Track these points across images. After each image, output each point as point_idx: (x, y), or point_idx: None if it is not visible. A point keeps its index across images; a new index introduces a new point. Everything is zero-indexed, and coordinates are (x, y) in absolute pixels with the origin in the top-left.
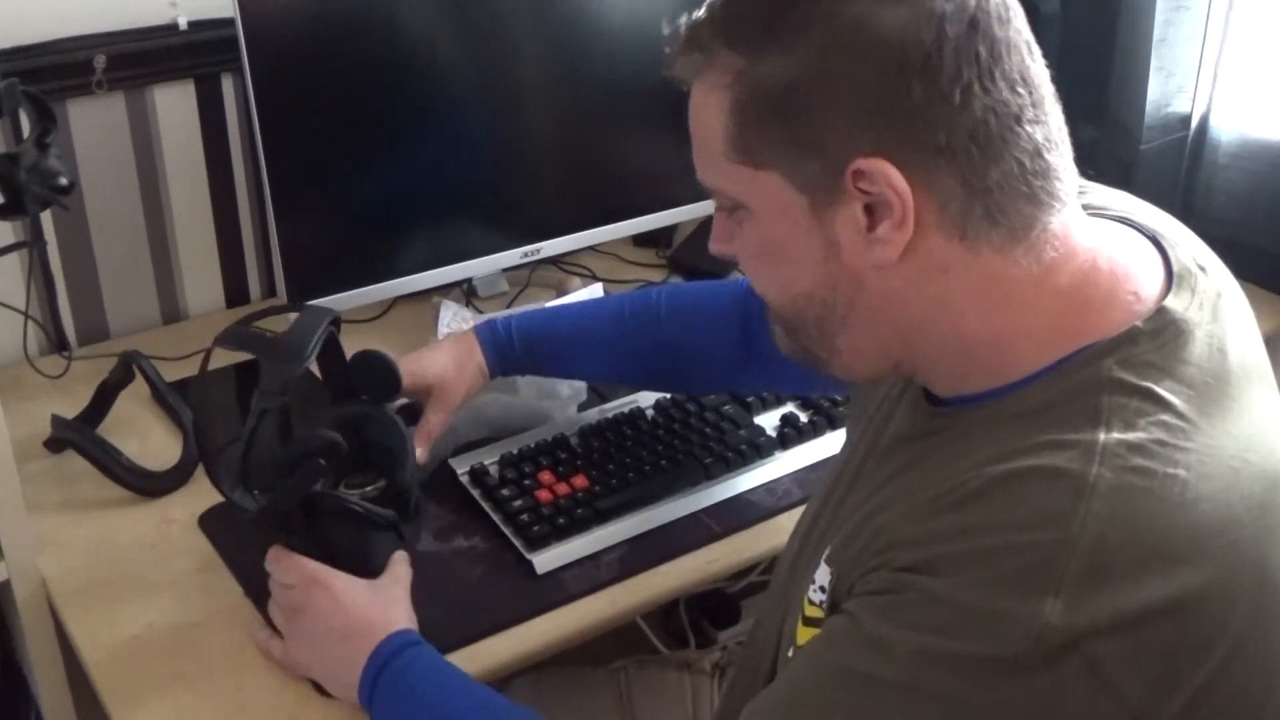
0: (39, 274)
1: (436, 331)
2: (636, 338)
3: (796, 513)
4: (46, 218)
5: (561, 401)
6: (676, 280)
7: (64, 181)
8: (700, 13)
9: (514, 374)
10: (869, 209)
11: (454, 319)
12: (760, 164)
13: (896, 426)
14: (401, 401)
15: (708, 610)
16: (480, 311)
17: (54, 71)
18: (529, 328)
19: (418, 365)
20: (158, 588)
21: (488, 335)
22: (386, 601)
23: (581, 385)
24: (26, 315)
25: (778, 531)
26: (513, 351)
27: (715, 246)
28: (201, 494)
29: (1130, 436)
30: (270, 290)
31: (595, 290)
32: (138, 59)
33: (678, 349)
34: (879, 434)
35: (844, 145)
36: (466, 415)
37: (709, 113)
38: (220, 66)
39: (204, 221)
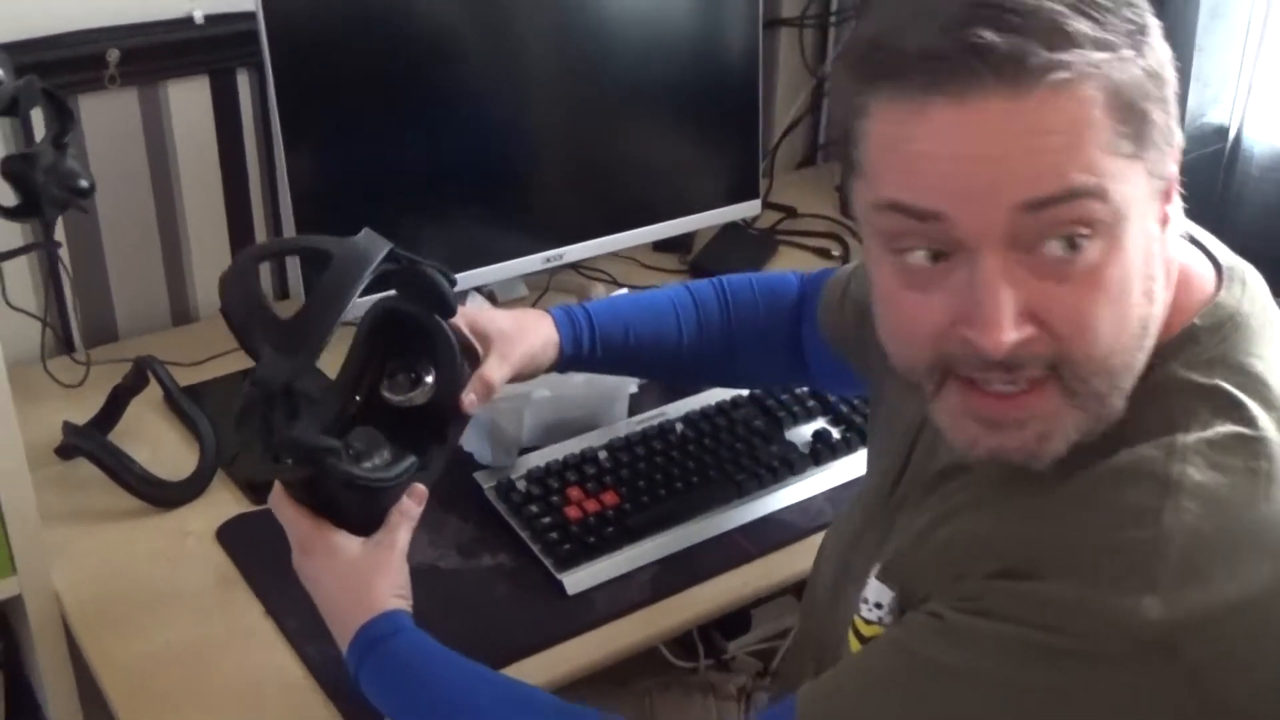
0: (48, 279)
1: None
2: (703, 332)
3: None
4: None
5: (610, 400)
6: None
7: (84, 184)
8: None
9: (578, 369)
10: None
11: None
12: (1137, 152)
13: (944, 461)
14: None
15: (717, 620)
16: None
17: (65, 65)
18: (605, 322)
19: (477, 313)
20: (174, 603)
21: (563, 318)
22: (373, 569)
23: (628, 384)
24: (44, 321)
25: (810, 552)
26: (586, 343)
27: (1011, 332)
28: (219, 505)
29: (1207, 434)
30: (284, 291)
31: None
32: (152, 53)
33: (740, 343)
34: (928, 456)
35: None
36: (525, 416)
37: (1087, 110)
38: (236, 62)
39: (217, 220)
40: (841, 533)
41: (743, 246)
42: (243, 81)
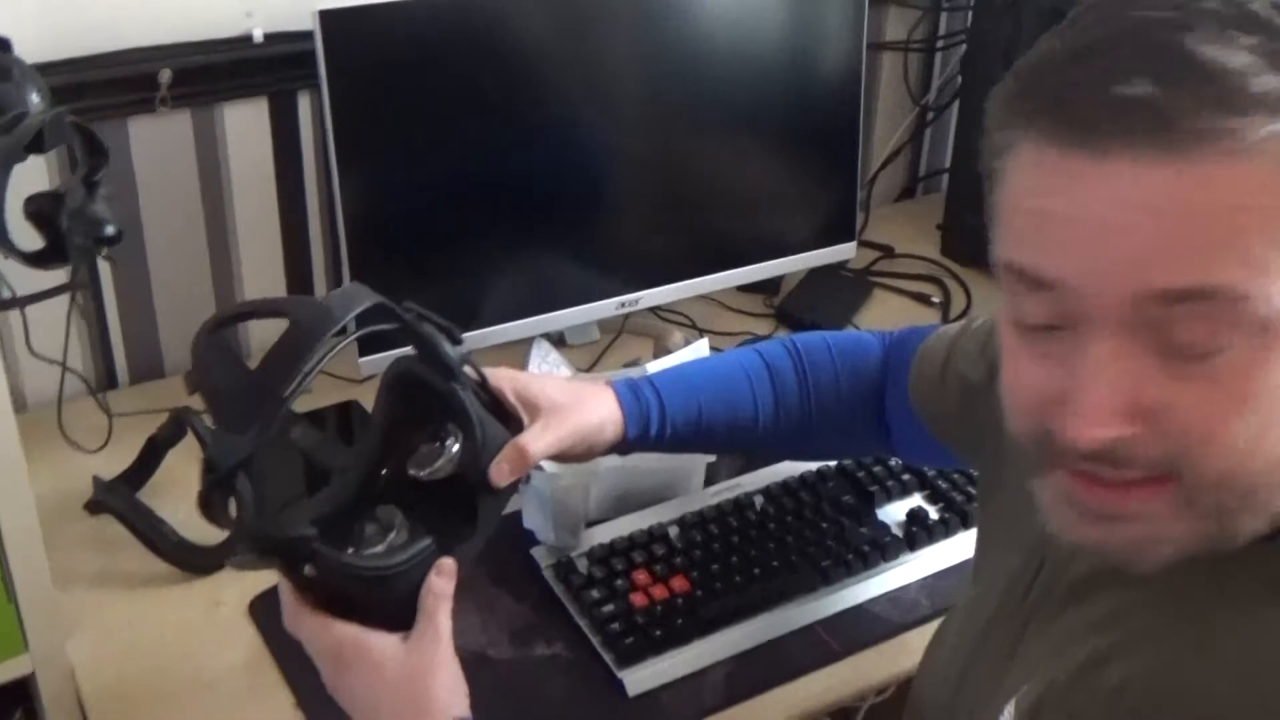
0: (91, 309)
1: (528, 365)
2: (779, 406)
3: (926, 631)
4: None
5: (685, 472)
6: (784, 334)
7: (110, 231)
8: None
9: (642, 451)
10: None
11: (545, 360)
12: None
13: (1079, 572)
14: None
15: None
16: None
17: (114, 87)
18: (675, 399)
19: (529, 379)
20: (200, 687)
21: (628, 395)
22: (425, 670)
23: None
24: (64, 366)
25: (904, 652)
26: (654, 425)
27: (1112, 425)
28: (255, 574)
29: None
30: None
31: (701, 348)
32: (206, 74)
33: (818, 416)
34: (1067, 558)
35: None
36: (591, 492)
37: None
38: (298, 83)
39: (273, 252)
40: (956, 640)
41: (834, 289)
42: (304, 104)
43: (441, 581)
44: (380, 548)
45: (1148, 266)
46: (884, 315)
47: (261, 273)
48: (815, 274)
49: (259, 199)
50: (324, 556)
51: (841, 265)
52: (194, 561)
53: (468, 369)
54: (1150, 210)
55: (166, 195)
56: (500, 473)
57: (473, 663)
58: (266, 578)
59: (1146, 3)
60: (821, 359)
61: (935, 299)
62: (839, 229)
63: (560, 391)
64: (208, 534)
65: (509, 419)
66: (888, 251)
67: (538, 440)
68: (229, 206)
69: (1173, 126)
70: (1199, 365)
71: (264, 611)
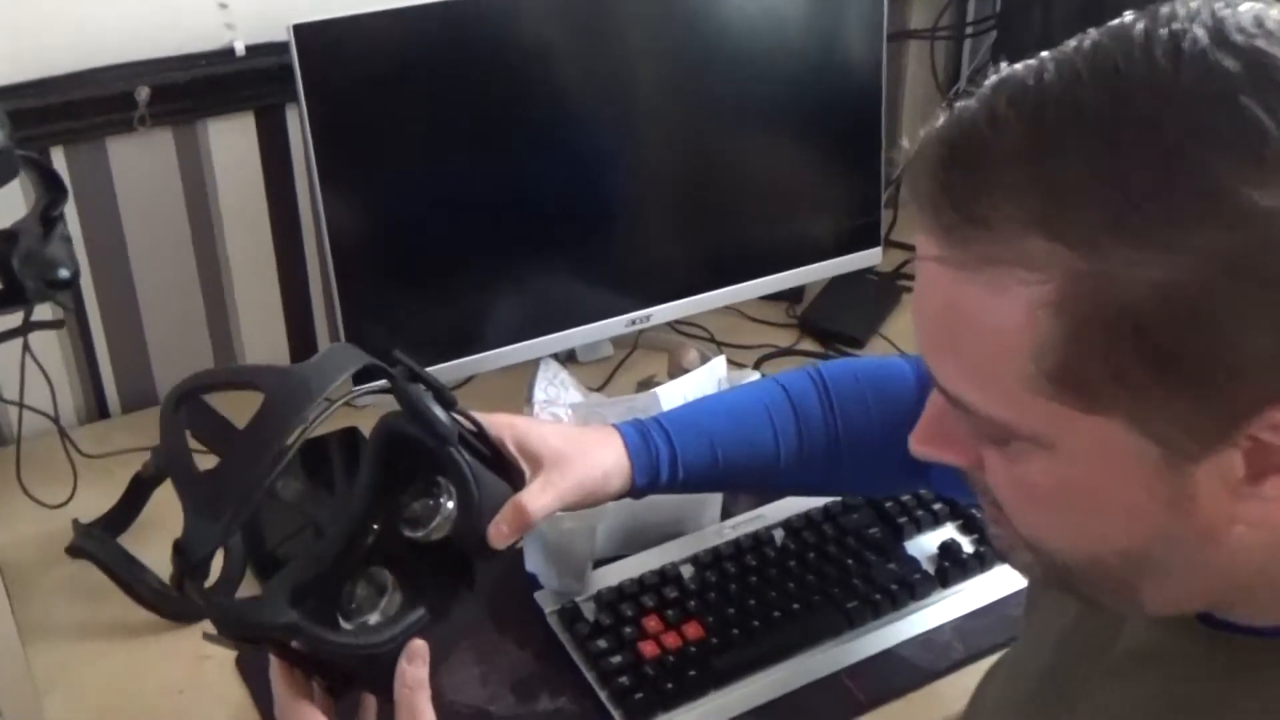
0: (78, 340)
1: (530, 395)
2: (803, 445)
3: (960, 679)
4: (85, 270)
5: (699, 505)
6: (809, 345)
7: (63, 275)
8: (972, 151)
9: (654, 494)
10: (1251, 455)
11: (552, 383)
12: (1095, 405)
13: (1136, 640)
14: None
15: None
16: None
17: (89, 107)
18: (688, 445)
19: (528, 427)
20: None
21: (637, 441)
22: None
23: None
24: (21, 405)
25: (936, 702)
26: (665, 473)
27: (929, 450)
28: None
29: None
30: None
31: (718, 366)
32: (187, 90)
33: (847, 452)
34: (1109, 629)
35: (1255, 387)
36: (597, 535)
37: (1003, 318)
38: (284, 97)
39: (266, 273)
40: (1001, 695)
41: (861, 296)
42: (292, 119)
43: (414, 670)
44: (373, 616)
45: (928, 354)
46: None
47: (255, 295)
48: (840, 280)
49: (250, 219)
50: (311, 638)
51: (868, 269)
52: (180, 610)
53: (461, 419)
54: (928, 304)
55: (151, 218)
56: (499, 535)
57: (473, 714)
58: None
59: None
60: (849, 389)
61: None
62: (864, 233)
63: (564, 440)
64: None
65: (508, 469)
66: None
67: (539, 498)
68: (218, 227)
69: (936, 216)
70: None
71: (253, 668)
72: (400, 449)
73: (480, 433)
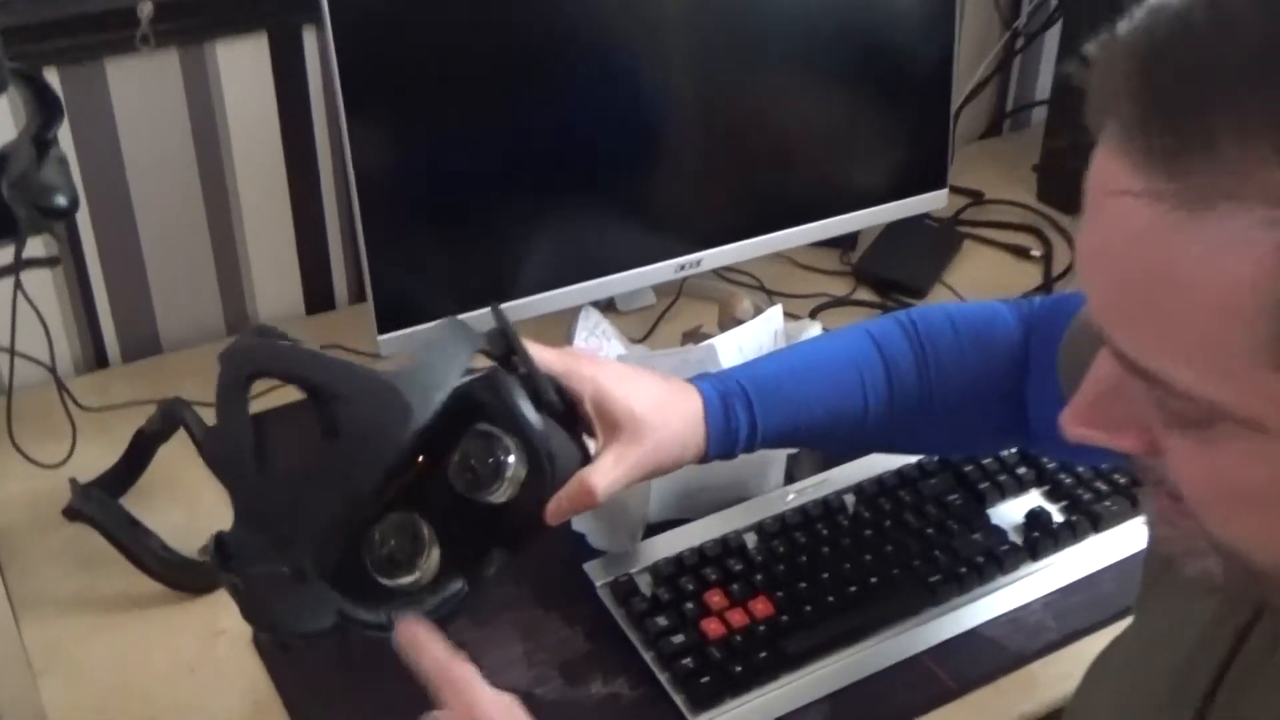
0: (75, 283)
1: (572, 337)
2: (895, 403)
3: (1055, 662)
4: (83, 207)
5: (760, 466)
6: (865, 295)
7: (60, 202)
8: (1192, 54)
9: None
10: None
11: (593, 332)
12: None
13: None
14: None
15: None
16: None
17: (86, 23)
18: (770, 410)
19: (613, 385)
20: None
21: (716, 405)
22: None
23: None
24: (13, 352)
25: (1031, 689)
26: (742, 441)
27: (1090, 433)
28: None
29: None
30: (360, 294)
31: (774, 316)
32: (195, 6)
33: (941, 411)
34: (1266, 654)
35: None
36: (652, 489)
37: (1232, 271)
38: (303, 17)
39: (279, 209)
40: (1119, 683)
41: (919, 242)
42: (309, 41)
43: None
44: (409, 576)
45: (1098, 310)
46: (977, 271)
47: (267, 235)
48: (896, 226)
49: (262, 150)
50: (354, 624)
51: (925, 215)
52: (187, 580)
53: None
54: (1114, 242)
55: (154, 148)
56: (558, 512)
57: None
58: None
59: None
60: (945, 340)
61: (1035, 252)
62: (927, 174)
63: (647, 404)
64: (203, 546)
65: (578, 431)
66: (976, 197)
67: (608, 475)
68: (227, 160)
69: (1144, 144)
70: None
71: (272, 643)
72: (468, 409)
73: (558, 389)
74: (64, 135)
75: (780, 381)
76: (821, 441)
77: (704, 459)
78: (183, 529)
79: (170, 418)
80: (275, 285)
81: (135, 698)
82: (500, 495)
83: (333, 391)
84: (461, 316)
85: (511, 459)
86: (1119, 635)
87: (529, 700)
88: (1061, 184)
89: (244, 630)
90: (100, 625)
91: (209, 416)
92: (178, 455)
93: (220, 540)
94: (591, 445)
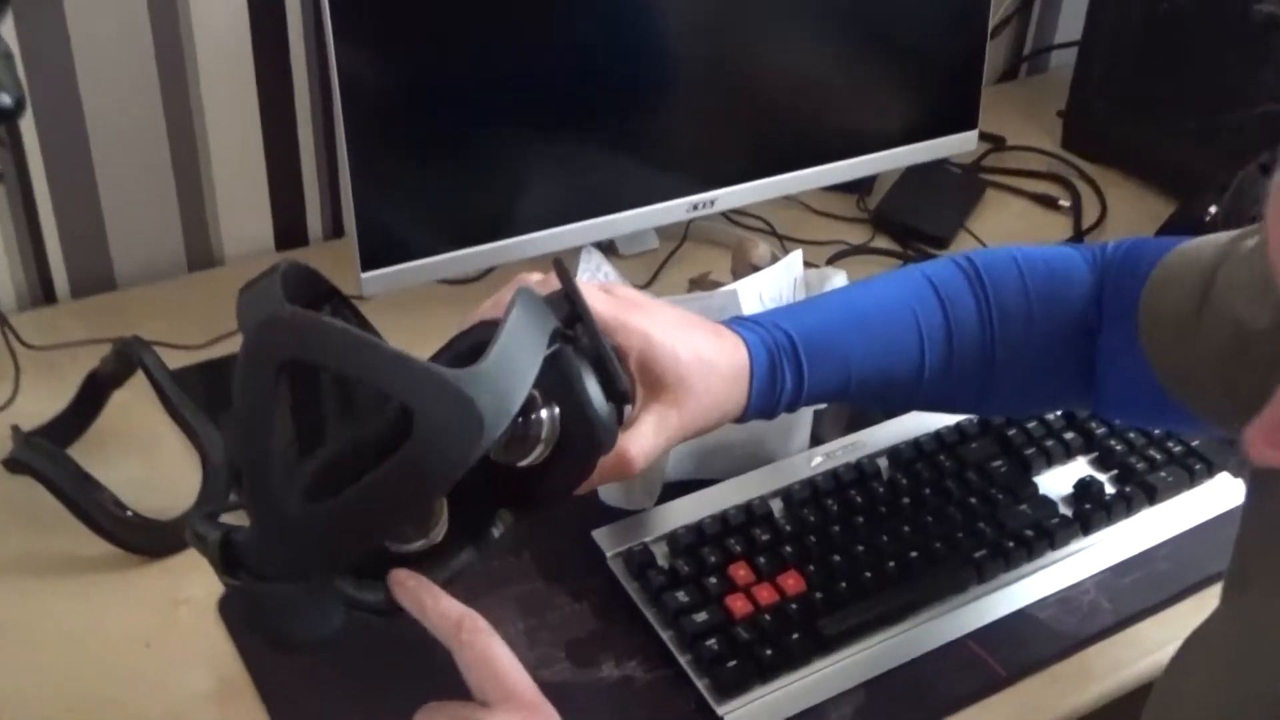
0: (19, 206)
1: None
2: (954, 359)
3: (1113, 649)
4: (28, 124)
5: (786, 424)
6: (884, 243)
7: (4, 101)
8: None
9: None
10: None
11: (595, 275)
12: None
13: None
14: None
15: None
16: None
17: None
18: (819, 363)
19: (662, 341)
20: None
21: (762, 357)
22: None
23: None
24: None
25: (1086, 677)
26: (785, 398)
27: None
28: None
29: None
30: (337, 228)
31: (794, 263)
32: None
33: (1003, 366)
34: None
35: None
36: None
37: None
38: None
39: (249, 132)
40: (1213, 676)
41: (939, 189)
42: None
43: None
44: (420, 542)
45: None
46: (1002, 221)
47: (234, 159)
48: (915, 171)
49: (230, 61)
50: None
51: (945, 160)
52: (144, 542)
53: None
54: None
55: (110, 55)
56: (591, 482)
57: None
58: None
59: None
60: (1011, 288)
61: (1064, 202)
62: (956, 115)
63: (693, 362)
64: (171, 498)
65: (618, 389)
66: (998, 142)
67: (648, 443)
68: (191, 70)
69: None
70: None
71: (239, 612)
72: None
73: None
74: (8, 32)
75: (830, 335)
76: (870, 401)
77: (741, 419)
78: (139, 484)
79: (126, 359)
80: (243, 216)
81: (85, 674)
82: (527, 459)
83: (394, 399)
84: (453, 255)
85: (544, 416)
86: (1209, 620)
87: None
88: (1089, 131)
89: (208, 599)
90: (45, 592)
91: (172, 359)
92: (134, 401)
93: (229, 542)
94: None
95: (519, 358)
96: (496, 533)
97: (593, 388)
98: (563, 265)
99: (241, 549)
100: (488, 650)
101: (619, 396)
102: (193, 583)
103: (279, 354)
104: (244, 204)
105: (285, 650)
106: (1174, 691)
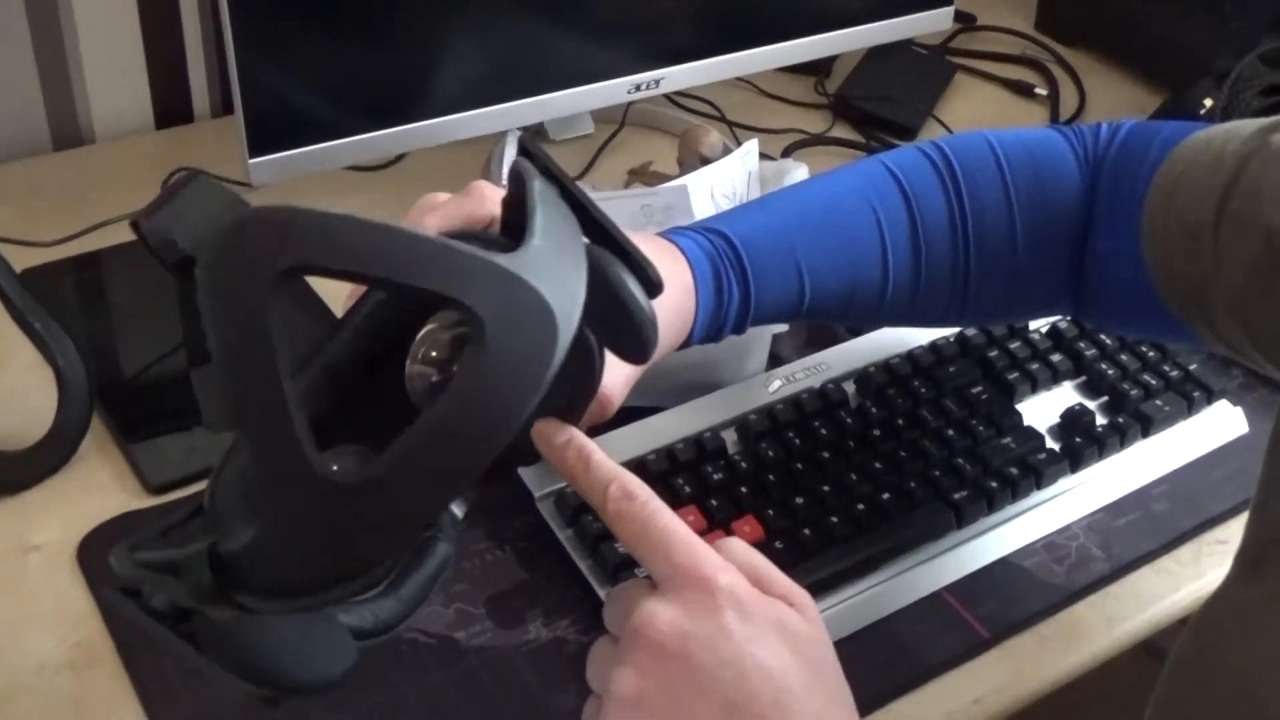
0: None
1: (491, 174)
2: (923, 271)
3: (1107, 604)
4: None
5: (742, 346)
6: (844, 132)
7: None
8: None
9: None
10: None
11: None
12: None
13: None
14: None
15: None
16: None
17: None
18: (771, 280)
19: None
20: None
21: (708, 292)
22: None
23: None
24: None
25: (1079, 635)
26: (731, 322)
27: None
28: (90, 493)
29: None
30: (226, 104)
31: (749, 155)
32: None
33: (979, 278)
34: None
35: None
36: None
37: None
38: None
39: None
40: (1243, 644)
41: (904, 71)
42: None
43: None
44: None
45: None
46: (974, 108)
47: (104, 29)
48: (879, 52)
49: None
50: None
51: (910, 40)
52: None
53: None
54: None
55: None
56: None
57: (439, 653)
58: (111, 499)
59: None
60: (987, 181)
61: (1039, 89)
62: None
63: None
64: (24, 427)
65: (646, 267)
66: (968, 21)
67: (619, 376)
68: None
69: None
70: None
71: (99, 560)
72: None
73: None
74: None
75: (782, 235)
76: (830, 314)
77: (685, 344)
78: None
79: None
80: (115, 89)
81: None
82: None
83: (456, 297)
84: (356, 139)
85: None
86: (1220, 598)
87: (451, 648)
88: (1065, 13)
89: (63, 544)
90: None
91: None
92: None
93: (217, 556)
94: None
95: (566, 249)
96: (461, 510)
97: (630, 280)
98: (535, 144)
99: (242, 561)
100: (647, 521)
101: (653, 288)
102: (45, 523)
103: (273, 263)
104: (116, 77)
105: (292, 696)
106: (1187, 690)
